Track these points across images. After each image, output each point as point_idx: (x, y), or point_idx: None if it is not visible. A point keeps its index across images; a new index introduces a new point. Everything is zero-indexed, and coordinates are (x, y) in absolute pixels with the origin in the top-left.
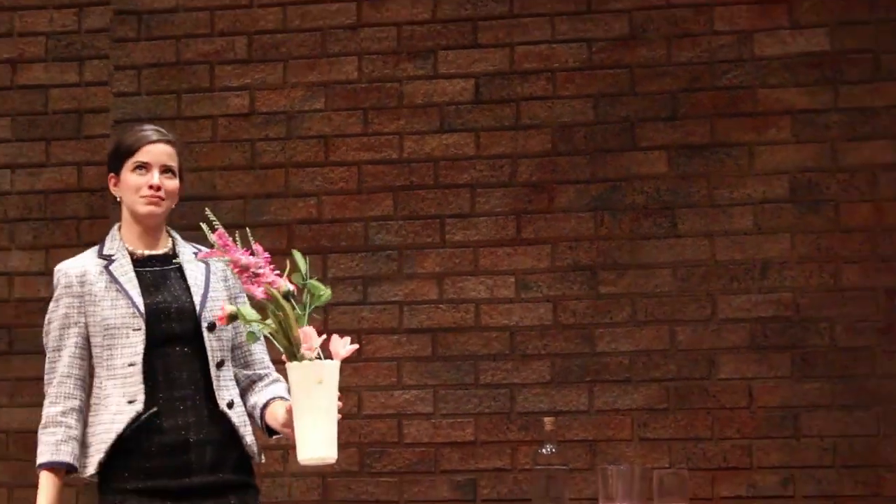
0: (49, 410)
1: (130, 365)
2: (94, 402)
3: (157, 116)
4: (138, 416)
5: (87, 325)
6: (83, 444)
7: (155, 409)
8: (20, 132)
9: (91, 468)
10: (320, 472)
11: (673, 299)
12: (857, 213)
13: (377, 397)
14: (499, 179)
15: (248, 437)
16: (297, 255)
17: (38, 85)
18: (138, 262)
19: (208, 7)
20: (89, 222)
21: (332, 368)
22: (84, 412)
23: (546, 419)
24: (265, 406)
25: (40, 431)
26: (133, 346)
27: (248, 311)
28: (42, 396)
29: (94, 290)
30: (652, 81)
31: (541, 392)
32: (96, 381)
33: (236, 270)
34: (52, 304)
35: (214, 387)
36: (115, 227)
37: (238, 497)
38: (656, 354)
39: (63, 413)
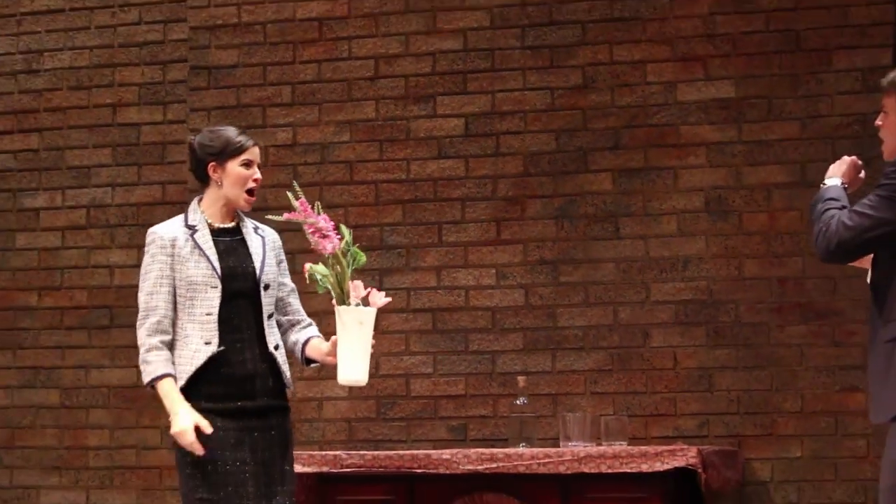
0: (149, 340)
1: (208, 314)
2: (177, 337)
3: None
4: (213, 354)
5: (174, 279)
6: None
7: (223, 348)
8: (119, 159)
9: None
10: (346, 418)
11: (616, 286)
12: (755, 220)
13: (390, 361)
14: (483, 195)
15: (287, 371)
16: (343, 229)
17: (132, 123)
18: (214, 233)
19: (261, 63)
20: None
21: (370, 313)
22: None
23: (519, 378)
24: (306, 342)
25: (145, 355)
26: (211, 299)
27: (319, 268)
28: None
29: (181, 252)
30: (600, 120)
31: (515, 357)
32: (178, 324)
33: (311, 230)
34: (147, 259)
35: (266, 333)
36: (196, 200)
37: (278, 417)
38: (603, 329)
39: (161, 343)
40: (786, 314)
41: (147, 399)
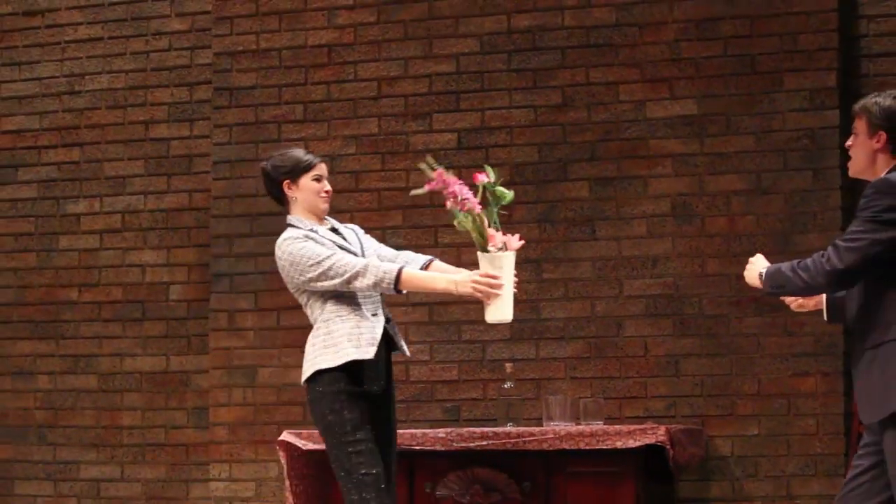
0: (357, 262)
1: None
2: (345, 314)
3: (242, 159)
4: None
5: None
6: (343, 342)
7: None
8: (150, 169)
9: (338, 363)
10: None
11: (592, 283)
12: (716, 224)
13: None
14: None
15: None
16: (489, 168)
17: (162, 138)
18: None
19: (277, 85)
20: (196, 231)
21: (509, 257)
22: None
23: (507, 364)
24: (425, 266)
25: (363, 269)
26: None
27: (465, 222)
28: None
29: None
30: (578, 135)
31: (503, 346)
32: (344, 299)
33: (452, 198)
34: (298, 245)
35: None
36: (293, 217)
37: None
38: (581, 320)
39: (365, 262)
40: (744, 307)
41: (175, 384)
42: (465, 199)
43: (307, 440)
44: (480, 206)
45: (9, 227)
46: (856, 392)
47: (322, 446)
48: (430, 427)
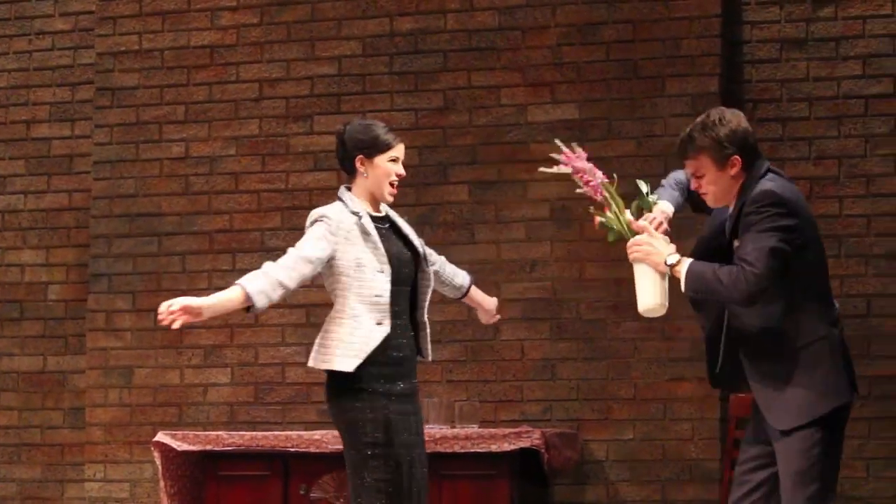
0: (277, 271)
1: (377, 296)
2: (344, 316)
3: (122, 160)
4: (387, 335)
5: (333, 252)
6: (338, 346)
7: (389, 330)
8: (31, 169)
9: (351, 367)
10: (228, 402)
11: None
12: (595, 228)
13: (268, 351)
14: None
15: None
16: (640, 182)
17: (44, 137)
18: (372, 220)
19: (158, 86)
20: (76, 231)
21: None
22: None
23: None
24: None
25: (266, 272)
26: (380, 282)
27: (607, 216)
28: None
29: (350, 235)
30: (458, 138)
31: None
32: (347, 301)
33: (577, 175)
34: (316, 226)
35: (420, 314)
36: (347, 192)
37: (418, 398)
38: (458, 323)
39: (282, 281)
40: (621, 311)
41: (52, 384)
42: (591, 182)
43: (182, 441)
44: (608, 181)
45: None
46: (764, 399)
47: (196, 447)
48: (306, 429)
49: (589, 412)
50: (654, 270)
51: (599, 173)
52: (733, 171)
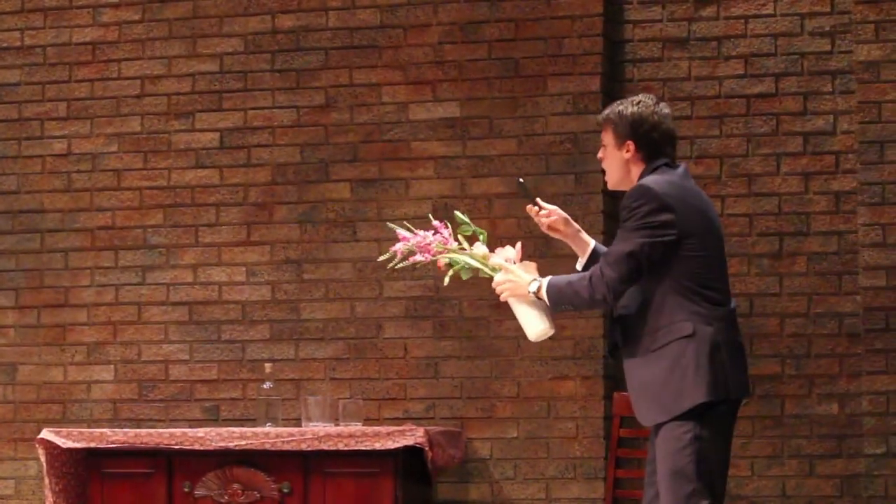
0: None
1: None
2: None
3: (4, 156)
4: None
5: None
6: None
7: None
8: None
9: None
10: (111, 399)
11: (353, 284)
12: (478, 226)
13: (151, 348)
14: (235, 201)
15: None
16: (458, 214)
17: None
18: None
19: (40, 82)
20: None
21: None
22: None
23: (266, 364)
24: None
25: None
26: None
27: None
28: None
29: None
30: (340, 136)
31: (263, 346)
32: None
33: (422, 250)
34: None
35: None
36: None
37: None
38: (341, 321)
39: None
40: (504, 309)
41: None
42: (427, 245)
43: (66, 438)
44: (445, 241)
45: None
46: (634, 393)
47: (80, 444)
48: (190, 426)
49: (472, 410)
50: (525, 301)
51: (432, 235)
52: (627, 156)
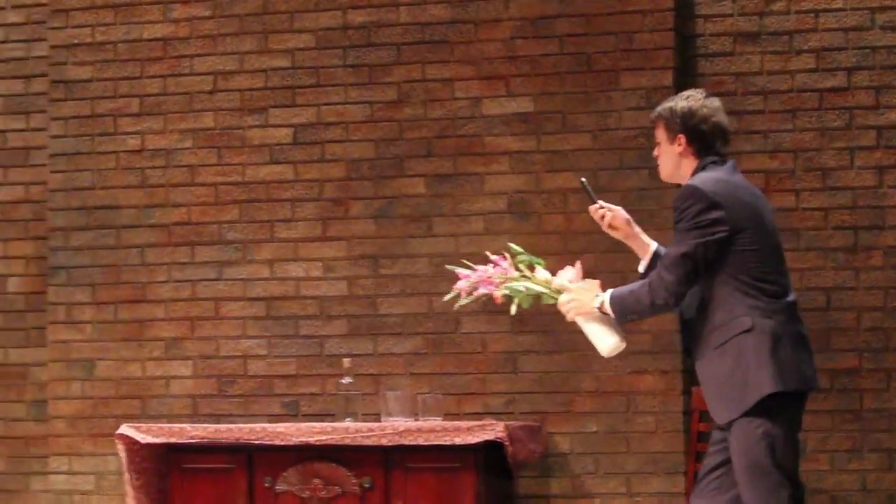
0: None
1: None
2: None
3: (78, 152)
4: None
5: None
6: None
7: None
8: None
9: None
10: (191, 394)
11: (430, 279)
12: (553, 221)
13: (229, 344)
14: (310, 196)
15: None
16: (513, 246)
17: None
18: None
19: (112, 79)
20: (33, 223)
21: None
22: None
23: (345, 360)
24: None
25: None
26: None
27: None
28: None
29: None
30: (414, 131)
31: (341, 341)
32: None
33: (484, 285)
34: None
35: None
36: None
37: None
38: (419, 316)
39: None
40: None
41: (14, 376)
42: (488, 278)
43: (146, 433)
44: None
45: None
46: (705, 391)
47: (160, 440)
48: (269, 422)
49: (552, 405)
50: (592, 317)
51: (492, 268)
52: (679, 149)
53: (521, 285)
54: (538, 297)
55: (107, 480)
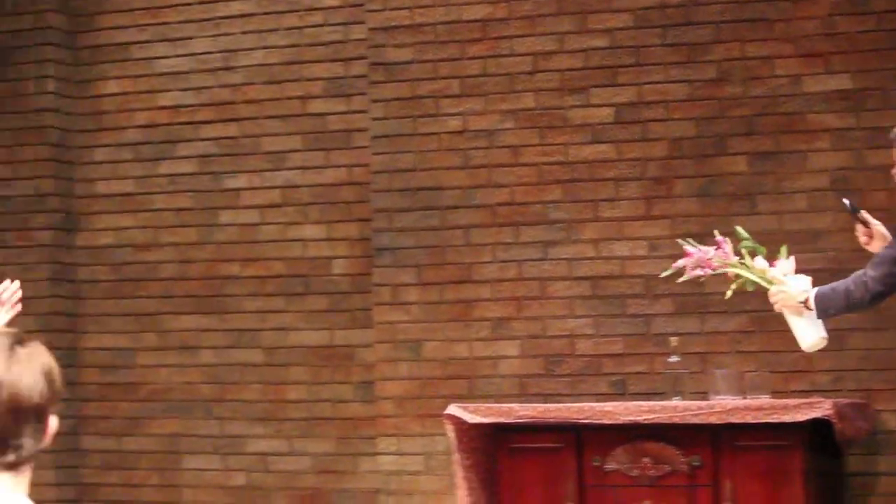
0: None
1: None
2: None
3: (399, 134)
4: None
5: None
6: None
7: None
8: (308, 144)
9: None
10: (518, 374)
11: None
12: (876, 198)
13: (556, 323)
14: (633, 175)
15: None
16: (739, 231)
17: (319, 113)
18: None
19: (432, 60)
20: (356, 205)
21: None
22: None
23: (672, 338)
24: None
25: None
26: None
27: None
28: None
29: None
30: (735, 109)
31: (668, 320)
32: None
33: (703, 266)
34: None
35: None
36: None
37: None
38: (745, 294)
39: None
40: None
41: (340, 358)
42: (708, 260)
43: (474, 413)
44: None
45: (169, 202)
46: None
47: (488, 419)
48: (596, 401)
49: (879, 382)
50: (797, 312)
51: (714, 250)
52: None
53: (737, 272)
54: (754, 284)
55: (435, 460)
